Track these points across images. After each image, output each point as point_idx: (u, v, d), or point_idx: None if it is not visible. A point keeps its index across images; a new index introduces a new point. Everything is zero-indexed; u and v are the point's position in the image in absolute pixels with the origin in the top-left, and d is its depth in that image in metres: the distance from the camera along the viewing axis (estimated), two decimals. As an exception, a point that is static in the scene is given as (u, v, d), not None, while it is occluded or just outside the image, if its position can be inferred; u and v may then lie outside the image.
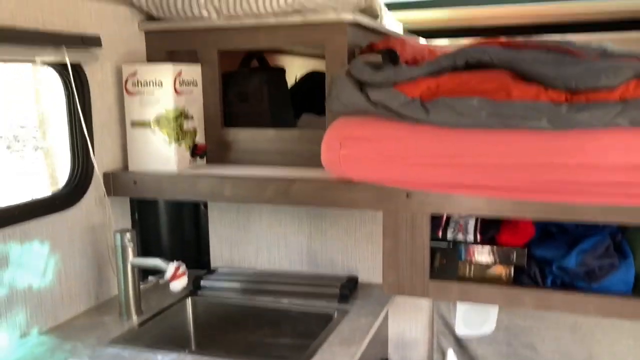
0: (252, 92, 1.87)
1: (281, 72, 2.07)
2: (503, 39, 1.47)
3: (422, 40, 2.88)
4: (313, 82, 2.24)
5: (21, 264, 1.40)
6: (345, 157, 1.40)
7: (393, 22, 2.59)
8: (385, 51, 1.53)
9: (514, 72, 1.35)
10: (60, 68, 1.49)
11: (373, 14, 2.10)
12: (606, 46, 1.57)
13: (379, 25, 1.89)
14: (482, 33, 3.40)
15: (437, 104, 1.29)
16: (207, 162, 1.78)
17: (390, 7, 3.24)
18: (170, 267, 1.47)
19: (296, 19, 1.61)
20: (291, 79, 2.36)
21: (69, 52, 1.45)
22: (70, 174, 1.59)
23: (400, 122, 1.35)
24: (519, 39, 1.48)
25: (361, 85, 1.40)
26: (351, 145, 1.40)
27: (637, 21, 3.08)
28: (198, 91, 1.73)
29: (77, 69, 1.53)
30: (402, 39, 1.67)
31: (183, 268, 1.49)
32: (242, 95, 1.87)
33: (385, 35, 1.96)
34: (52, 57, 1.42)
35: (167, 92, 1.62)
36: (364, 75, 1.39)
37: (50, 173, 7.23)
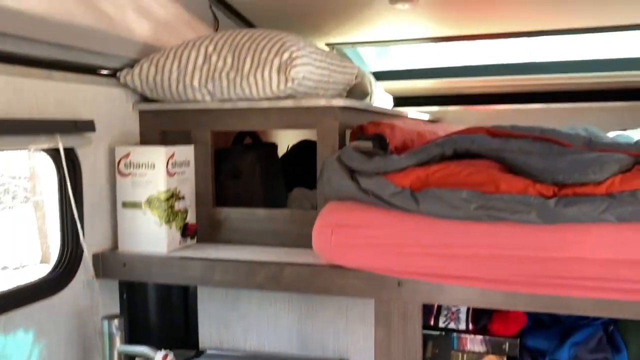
0: (244, 170, 1.89)
1: (273, 147, 2.10)
2: (490, 127, 1.51)
3: (412, 110, 2.94)
4: (304, 151, 2.26)
5: (4, 356, 1.36)
6: (336, 244, 1.41)
7: (382, 94, 2.65)
8: (375, 137, 1.56)
9: (502, 162, 1.38)
10: (54, 153, 1.50)
11: (363, 91, 2.15)
12: (591, 134, 1.61)
13: (369, 106, 1.93)
14: (470, 100, 3.49)
15: (427, 195, 1.30)
16: (198, 241, 1.77)
17: (380, 76, 3.34)
18: (158, 356, 1.44)
19: (288, 103, 1.64)
20: (283, 145, 2.38)
21: (62, 138, 1.46)
22: (59, 257, 1.58)
23: (391, 210, 1.36)
24: (507, 125, 1.51)
25: (352, 172, 1.42)
26: (342, 233, 1.40)
27: (616, 91, 3.18)
28: (190, 171, 1.75)
29: (70, 153, 1.55)
30: (391, 123, 1.70)
31: (171, 357, 1.46)
32: (234, 173, 1.88)
33: (376, 113, 2.00)
34: (46, 145, 1.43)
35: (159, 174, 1.63)
36: (354, 163, 1.41)
37: (39, 226, 7.17)
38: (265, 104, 1.66)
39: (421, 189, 1.32)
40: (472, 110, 3.55)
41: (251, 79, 1.62)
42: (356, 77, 2.16)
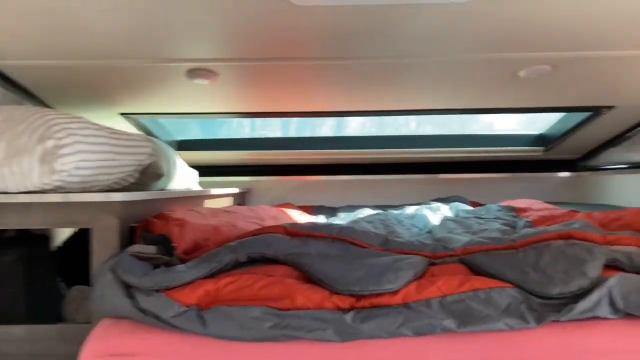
0: (3, 273, 1.54)
1: (43, 240, 1.77)
2: (288, 225, 1.40)
3: (222, 179, 2.79)
4: (85, 240, 1.95)
5: None
6: (108, 378, 1.15)
7: (185, 169, 2.45)
8: (160, 239, 1.35)
9: (300, 269, 1.26)
10: None
11: (157, 172, 1.94)
12: (387, 232, 1.59)
13: (161, 194, 1.73)
14: (281, 171, 3.46)
15: (216, 314, 1.13)
16: None
17: (186, 146, 3.14)
18: None
19: (55, 197, 1.37)
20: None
21: None
22: None
23: (176, 332, 1.16)
24: (306, 225, 1.42)
25: (129, 287, 1.20)
26: (116, 363, 1.16)
27: (414, 165, 3.40)
28: None
29: None
30: (182, 218, 1.51)
31: None
32: (-12, 278, 1.53)
33: (170, 200, 1.80)
34: None
35: None
36: (130, 278, 1.19)
37: None
38: (24, 199, 1.36)
39: (210, 307, 1.15)
40: (282, 181, 3.52)
41: (5, 169, 1.33)
42: (150, 155, 1.95)
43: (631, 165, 2.79)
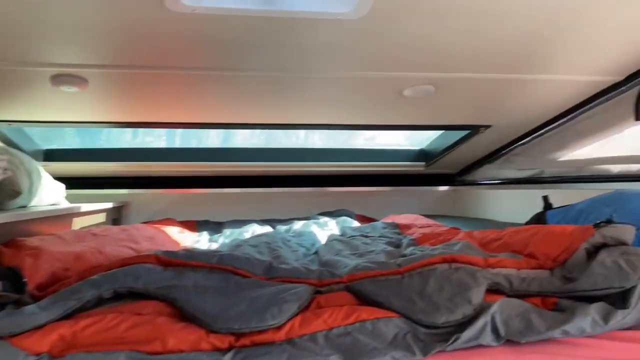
0: None
1: None
2: (162, 254, 1.27)
3: (94, 192, 2.54)
4: None
5: None
6: None
7: (50, 184, 2.21)
8: (7, 272, 1.17)
9: (174, 305, 1.14)
10: None
11: (14, 189, 1.71)
12: (272, 257, 1.51)
13: (15, 215, 1.52)
14: (161, 183, 3.27)
15: (72, 362, 0.98)
16: None
17: (54, 157, 2.86)
18: None
19: None
20: None
21: None
22: None
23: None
24: (182, 252, 1.30)
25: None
26: None
27: (303, 178, 3.37)
28: None
29: None
30: (37, 247, 1.33)
31: None
32: None
33: (28, 222, 1.59)
34: None
35: None
36: (-34, 323, 1.00)
37: None
38: None
39: (65, 354, 0.99)
40: (164, 194, 3.33)
41: None
42: (5, 170, 1.72)
43: (503, 181, 2.95)
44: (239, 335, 1.07)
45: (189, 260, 1.25)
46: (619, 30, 1.65)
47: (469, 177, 3.34)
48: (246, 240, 1.68)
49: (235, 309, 1.09)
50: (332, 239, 1.86)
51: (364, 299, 1.21)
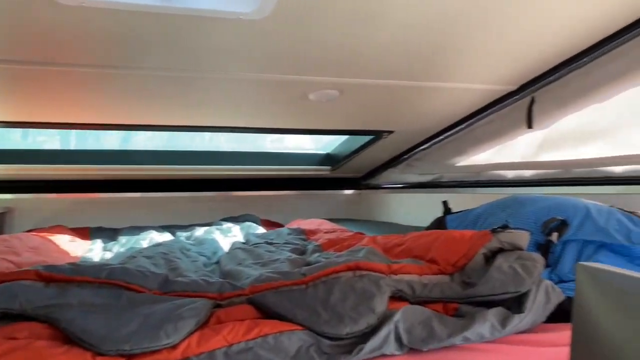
0: None
1: None
2: (43, 269, 1.15)
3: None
4: None
5: None
6: None
7: None
8: None
9: (57, 326, 1.03)
10: None
11: None
12: (169, 269, 1.42)
13: None
14: (49, 187, 3.03)
15: None
16: None
17: None
18: None
19: None
20: None
21: None
22: None
23: None
24: (64, 266, 1.18)
25: None
26: None
27: (205, 181, 3.26)
28: None
29: None
30: None
31: None
32: None
33: None
34: None
35: None
36: None
37: None
38: None
39: None
40: (54, 199, 3.09)
41: None
42: None
43: (406, 185, 3.02)
44: (129, 357, 0.98)
45: (74, 275, 1.14)
46: (512, 42, 1.72)
47: (374, 181, 3.39)
48: (141, 251, 1.57)
49: (125, 328, 1.00)
50: (234, 247, 1.80)
51: (267, 312, 1.17)
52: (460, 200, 2.17)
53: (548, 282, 1.32)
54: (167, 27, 1.50)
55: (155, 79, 1.88)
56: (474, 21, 1.58)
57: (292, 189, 3.51)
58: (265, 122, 2.48)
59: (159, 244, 1.88)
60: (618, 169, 1.70)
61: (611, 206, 1.50)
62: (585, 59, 1.78)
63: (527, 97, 2.04)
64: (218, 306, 1.20)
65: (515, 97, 2.06)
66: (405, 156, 2.86)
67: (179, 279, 1.26)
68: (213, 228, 2.55)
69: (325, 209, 3.56)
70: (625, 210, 1.47)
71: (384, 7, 1.46)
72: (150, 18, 1.43)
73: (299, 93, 2.04)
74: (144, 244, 2.12)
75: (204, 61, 1.76)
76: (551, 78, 1.91)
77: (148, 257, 1.46)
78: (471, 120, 2.28)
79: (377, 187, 3.39)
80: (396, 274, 1.35)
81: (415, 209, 2.96)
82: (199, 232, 2.46)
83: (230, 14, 1.45)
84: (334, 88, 2.00)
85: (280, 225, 2.78)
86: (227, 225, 2.63)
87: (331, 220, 3.00)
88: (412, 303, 1.26)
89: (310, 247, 1.87)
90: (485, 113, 2.20)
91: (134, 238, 2.25)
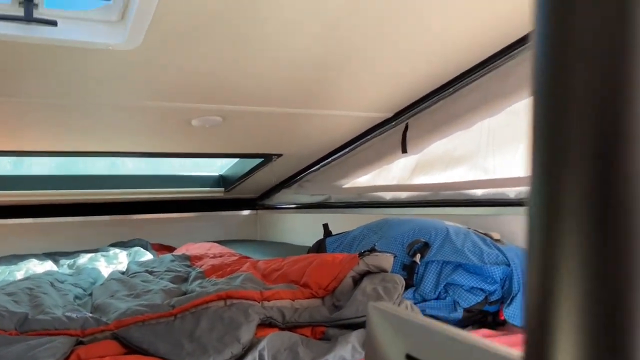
0: None
1: None
2: None
3: None
4: None
5: None
6: None
7: None
8: None
9: None
10: None
11: None
12: (32, 306, 1.38)
13: None
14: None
15: None
16: None
17: None
18: None
19: None
20: None
21: None
22: None
23: None
24: None
25: None
26: None
27: (96, 205, 3.15)
28: None
29: None
30: None
31: None
32: None
33: None
34: None
35: None
36: None
37: None
38: None
39: None
40: None
41: None
42: None
43: (299, 206, 3.08)
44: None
45: None
46: (386, 73, 1.84)
47: (269, 202, 3.43)
48: (3, 288, 1.50)
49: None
50: (110, 278, 1.76)
51: (131, 347, 1.16)
52: (347, 221, 2.25)
53: (408, 302, 1.41)
54: (36, 56, 1.46)
55: (36, 107, 1.83)
56: (352, 55, 1.67)
57: (188, 211, 3.46)
58: (153, 147, 2.45)
59: (26, 278, 1.79)
60: (479, 192, 1.85)
61: (468, 228, 1.62)
62: (450, 89, 1.92)
63: (401, 123, 2.16)
64: (80, 343, 1.18)
65: (391, 124, 2.19)
66: (296, 178, 2.93)
67: (40, 316, 1.22)
68: (99, 255, 2.47)
69: (223, 230, 3.55)
70: (480, 232, 1.60)
71: (259, 37, 1.51)
72: (16, 47, 1.39)
73: (182, 119, 2.04)
74: (19, 275, 2.02)
75: (82, 89, 1.73)
76: (422, 106, 2.05)
77: (9, 294, 1.40)
78: (353, 145, 2.38)
79: (273, 208, 3.43)
80: (269, 300, 1.39)
81: (307, 229, 3.03)
82: (83, 259, 2.37)
83: (100, 44, 1.44)
84: (216, 114, 2.02)
85: (172, 249, 2.74)
86: (114, 251, 2.55)
87: (227, 241, 3.00)
88: (282, 329, 1.31)
89: (193, 273, 1.87)
90: (365, 138, 2.31)
91: (8, 269, 2.13)
